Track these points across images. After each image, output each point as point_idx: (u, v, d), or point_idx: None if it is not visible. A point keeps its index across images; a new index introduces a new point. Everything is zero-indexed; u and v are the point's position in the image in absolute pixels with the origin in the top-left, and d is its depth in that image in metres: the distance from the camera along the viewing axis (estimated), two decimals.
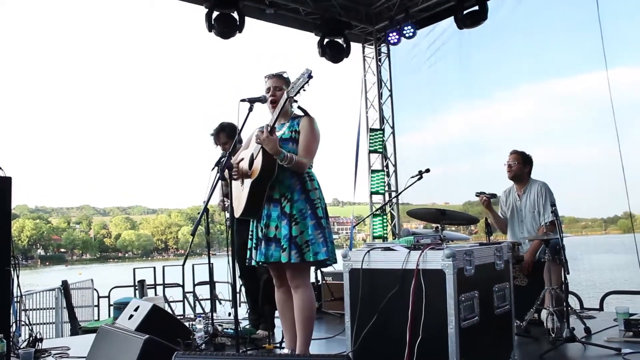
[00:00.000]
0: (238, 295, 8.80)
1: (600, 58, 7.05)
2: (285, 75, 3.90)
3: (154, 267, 10.66)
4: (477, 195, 5.65)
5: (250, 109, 3.65)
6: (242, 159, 3.88)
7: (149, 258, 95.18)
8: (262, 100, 3.76)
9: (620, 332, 4.60)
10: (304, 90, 3.39)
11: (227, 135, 5.23)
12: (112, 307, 8.91)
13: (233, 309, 3.75)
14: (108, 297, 10.06)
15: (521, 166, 5.56)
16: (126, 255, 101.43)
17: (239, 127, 3.71)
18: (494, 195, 5.62)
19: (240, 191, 3.81)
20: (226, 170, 3.71)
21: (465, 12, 8.02)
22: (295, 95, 3.43)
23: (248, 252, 3.90)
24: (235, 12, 7.72)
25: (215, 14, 7.67)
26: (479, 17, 7.91)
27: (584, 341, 4.34)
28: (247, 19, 7.87)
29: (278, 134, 3.70)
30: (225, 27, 7.68)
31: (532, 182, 5.54)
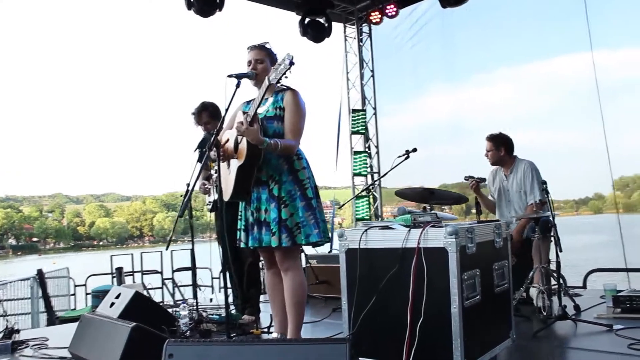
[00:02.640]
0: (219, 280, 8.72)
1: (585, 39, 7.04)
2: (267, 46, 3.77)
3: (132, 254, 10.49)
4: (465, 179, 5.60)
5: (238, 85, 3.51)
6: (228, 139, 3.73)
7: (124, 246, 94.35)
8: (249, 76, 3.62)
9: (608, 308, 4.62)
10: (286, 77, 3.27)
11: (209, 114, 5.10)
12: (89, 296, 8.75)
13: (224, 294, 3.66)
14: (85, 285, 9.86)
15: (496, 151, 5.52)
16: (100, 243, 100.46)
17: (227, 104, 3.56)
18: (482, 180, 5.58)
19: (228, 173, 3.68)
20: (213, 150, 3.57)
21: None
22: (276, 82, 3.32)
23: (238, 232, 3.79)
24: None
25: None
26: None
27: (575, 318, 4.33)
28: None
29: (261, 110, 3.58)
30: (204, 5, 7.50)
31: (519, 161, 5.50)
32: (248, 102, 3.81)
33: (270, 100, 3.64)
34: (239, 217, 3.78)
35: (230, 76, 3.53)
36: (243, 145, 3.47)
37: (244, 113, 3.46)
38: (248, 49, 3.77)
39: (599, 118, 7.10)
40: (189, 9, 7.51)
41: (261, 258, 4.52)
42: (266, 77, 3.38)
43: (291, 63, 3.19)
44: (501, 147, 5.51)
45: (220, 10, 7.68)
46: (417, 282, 2.93)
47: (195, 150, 5.24)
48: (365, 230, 3.22)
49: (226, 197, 3.70)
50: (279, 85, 3.58)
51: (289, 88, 3.62)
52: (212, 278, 9.78)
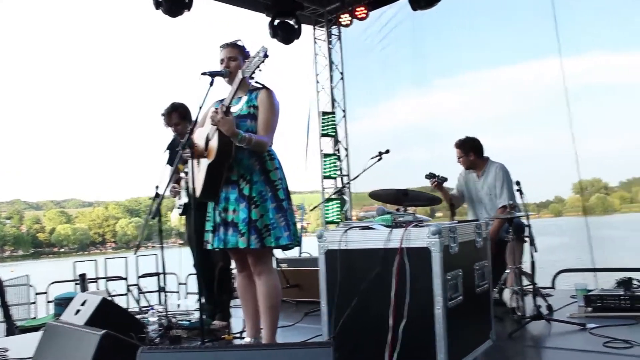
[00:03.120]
0: (185, 285, 8.56)
1: (554, 45, 7.15)
2: (240, 43, 3.68)
3: (95, 261, 10.23)
4: (426, 178, 5.59)
5: (211, 83, 3.43)
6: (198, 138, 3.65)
7: (86, 252, 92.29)
8: (223, 74, 3.54)
9: (579, 308, 4.66)
10: (260, 70, 3.21)
11: (179, 115, 4.98)
12: (51, 304, 8.48)
13: (198, 299, 3.55)
14: (46, 293, 9.55)
15: (466, 157, 5.52)
16: (62, 250, 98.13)
17: (200, 103, 3.48)
18: (444, 179, 5.56)
19: (197, 172, 3.59)
20: (187, 150, 3.47)
21: None
22: (250, 75, 3.25)
23: (205, 234, 3.68)
24: None
25: None
26: None
27: (549, 318, 4.35)
28: None
29: (235, 109, 3.50)
30: (172, 4, 7.36)
31: (490, 164, 5.50)
32: (221, 101, 3.72)
33: (245, 98, 3.57)
34: (207, 218, 3.68)
35: (203, 74, 3.46)
36: (214, 142, 3.39)
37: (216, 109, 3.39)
38: (220, 47, 3.69)
39: (564, 122, 7.21)
40: (157, 8, 7.37)
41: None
42: (239, 71, 3.32)
43: (265, 55, 3.14)
44: (470, 153, 5.51)
45: (188, 10, 7.56)
46: (400, 283, 2.88)
47: (165, 151, 5.11)
48: (345, 231, 3.15)
49: (197, 194, 3.60)
50: (253, 84, 3.53)
51: (263, 87, 3.55)
52: (179, 283, 9.61)
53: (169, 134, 5.12)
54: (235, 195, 3.45)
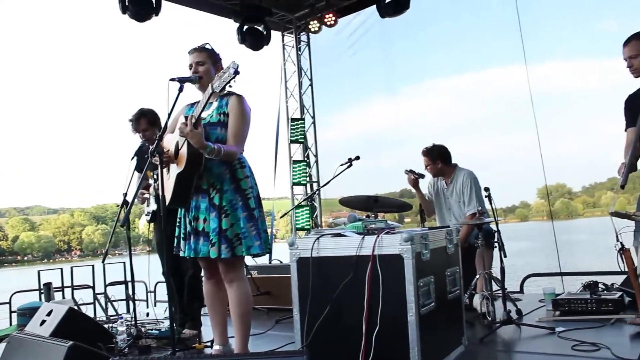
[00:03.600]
0: (154, 293, 8.43)
1: (520, 53, 7.26)
2: (208, 47, 3.66)
3: (61, 269, 9.98)
4: (405, 173, 5.61)
5: (180, 89, 3.38)
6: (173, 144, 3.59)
7: (51, 260, 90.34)
8: (192, 80, 3.51)
9: (548, 311, 4.73)
10: (230, 86, 3.16)
11: (147, 121, 4.91)
12: (15, 314, 8.23)
13: (168, 307, 3.50)
14: (9, 303, 9.27)
15: (433, 164, 5.55)
16: (25, 258, 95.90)
17: (169, 109, 3.42)
18: (422, 175, 5.58)
19: (167, 179, 3.54)
20: (156, 157, 3.41)
21: (387, 0, 7.96)
22: (220, 91, 3.19)
23: (175, 240, 3.66)
24: None
25: None
26: (402, 6, 7.87)
27: (519, 322, 4.39)
28: (164, 2, 7.47)
29: (204, 114, 3.46)
30: (140, 9, 7.26)
31: (459, 170, 5.54)
32: (191, 105, 3.70)
33: (215, 104, 3.54)
34: (177, 224, 3.65)
35: (172, 80, 3.40)
36: (183, 150, 3.35)
37: (187, 118, 3.32)
38: (189, 52, 3.66)
39: (529, 128, 7.32)
40: (124, 12, 7.25)
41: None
42: (210, 85, 3.24)
43: (236, 72, 3.08)
44: (437, 160, 5.54)
45: (156, 15, 7.45)
46: (372, 290, 2.88)
47: (132, 158, 5.02)
48: (317, 239, 3.14)
49: (167, 202, 3.53)
50: (229, 90, 3.47)
51: (234, 93, 3.51)
52: (147, 292, 9.44)
53: (136, 140, 5.04)
54: (206, 204, 3.42)
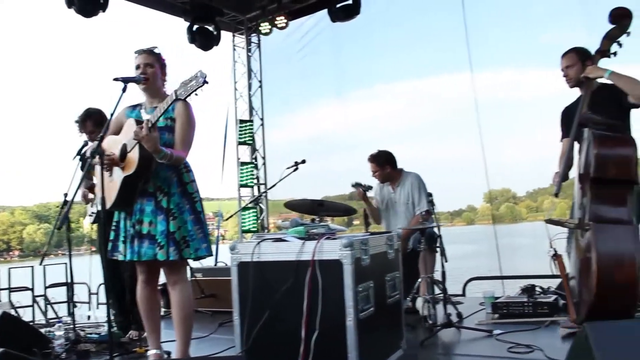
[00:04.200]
0: (97, 295, 8.22)
1: (466, 61, 7.42)
2: (156, 50, 3.63)
3: None
4: (353, 187, 5.67)
5: (124, 89, 3.36)
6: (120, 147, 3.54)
7: None
8: (137, 80, 3.49)
9: (487, 315, 4.84)
10: (196, 94, 3.14)
11: (94, 122, 4.78)
12: None
13: (106, 310, 3.42)
14: None
15: (382, 170, 5.63)
16: None
17: (112, 109, 3.40)
18: (369, 188, 5.66)
19: (109, 182, 3.48)
20: (97, 157, 3.34)
21: (338, 5, 8.01)
22: (185, 98, 3.18)
23: (110, 244, 3.61)
24: None
25: None
26: (352, 11, 7.93)
27: (459, 325, 4.48)
28: None
29: (149, 118, 3.41)
30: (86, 4, 7.06)
31: (405, 174, 5.65)
32: (133, 108, 3.67)
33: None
34: (113, 227, 3.60)
35: (116, 79, 3.39)
36: (134, 154, 3.33)
37: (137, 121, 3.33)
38: (136, 53, 3.61)
39: (475, 135, 7.48)
40: (69, 7, 7.04)
41: None
42: (174, 91, 3.21)
43: (205, 82, 3.08)
44: (386, 165, 5.63)
45: (104, 11, 7.27)
46: (312, 295, 2.90)
47: (74, 157, 4.90)
48: (258, 243, 3.13)
49: (107, 205, 3.49)
50: (168, 92, 3.50)
51: (180, 99, 3.43)
52: (90, 294, 9.19)
53: (80, 138, 4.92)
54: (152, 207, 3.41)
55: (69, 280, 4.82)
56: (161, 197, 3.41)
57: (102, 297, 8.48)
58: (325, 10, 8.22)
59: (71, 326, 4.52)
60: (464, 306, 5.41)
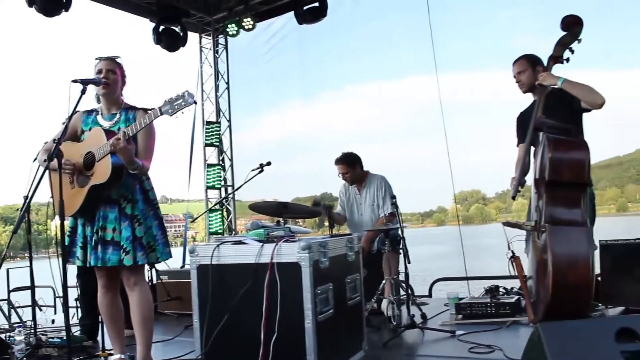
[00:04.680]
0: (62, 299, 8.07)
1: (431, 63, 7.48)
2: (119, 60, 3.65)
3: None
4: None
5: (83, 92, 3.35)
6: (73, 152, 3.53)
7: None
8: (96, 82, 3.47)
9: (451, 315, 4.89)
10: (182, 113, 3.18)
11: None
12: None
13: (64, 314, 3.38)
14: None
15: (353, 170, 5.66)
16: None
17: (70, 111, 3.37)
18: (330, 206, 5.67)
19: (71, 188, 3.48)
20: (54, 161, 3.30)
21: (305, 7, 8.01)
22: (171, 115, 3.20)
23: (77, 251, 3.55)
24: None
25: None
26: (319, 14, 7.93)
27: (422, 326, 4.52)
28: None
29: (106, 124, 3.54)
30: (48, 3, 6.91)
31: (371, 176, 5.69)
32: (88, 113, 3.67)
33: (119, 117, 3.57)
34: (68, 233, 3.57)
35: (74, 81, 3.37)
36: (105, 164, 3.34)
37: (107, 131, 3.38)
38: (97, 59, 3.61)
39: (442, 136, 7.55)
40: (30, 5, 6.88)
41: None
42: (157, 108, 3.24)
43: (194, 102, 3.16)
44: (356, 165, 5.66)
45: (66, 10, 7.11)
46: (271, 297, 2.90)
47: (34, 159, 4.81)
48: (217, 246, 3.13)
49: (69, 212, 3.48)
50: (126, 102, 3.61)
51: (141, 108, 3.58)
52: (55, 297, 9.01)
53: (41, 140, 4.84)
54: (115, 214, 3.44)
55: (32, 284, 4.76)
56: (125, 204, 3.45)
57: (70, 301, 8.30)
58: (292, 13, 8.21)
59: (32, 331, 4.44)
60: (429, 307, 5.46)
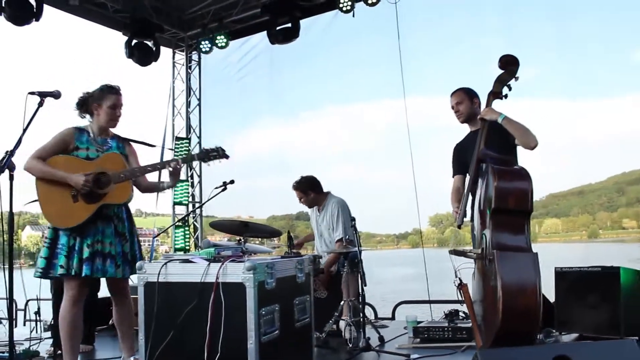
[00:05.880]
0: (25, 312, 7.89)
1: (400, 87, 7.58)
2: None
3: None
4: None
5: (41, 104, 3.40)
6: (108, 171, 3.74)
7: None
8: (55, 95, 3.47)
9: (409, 339, 4.90)
10: (217, 162, 3.91)
11: None
12: None
13: (8, 326, 3.35)
14: None
15: (306, 197, 5.73)
16: None
17: (25, 123, 3.36)
18: (299, 246, 5.87)
19: (72, 203, 3.63)
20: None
21: (278, 27, 8.06)
22: (204, 162, 3.91)
23: (43, 261, 3.66)
24: None
25: None
26: (291, 34, 7.96)
27: (377, 349, 4.54)
28: (47, 7, 7.08)
29: (99, 148, 3.81)
30: (17, 11, 6.83)
31: (330, 198, 5.71)
32: (80, 131, 3.82)
33: (112, 145, 3.88)
34: (46, 244, 3.66)
35: (32, 93, 3.40)
36: (127, 187, 3.74)
37: (168, 161, 3.85)
38: (116, 91, 3.86)
39: (414, 159, 7.60)
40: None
41: None
42: (195, 154, 4.02)
43: (226, 157, 3.93)
44: (309, 191, 5.71)
45: (37, 20, 7.04)
46: (215, 317, 2.90)
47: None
48: (165, 264, 3.12)
49: (67, 224, 3.63)
50: (113, 131, 3.93)
51: (125, 139, 3.99)
52: (17, 310, 8.80)
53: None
54: (111, 230, 3.72)
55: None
56: (117, 222, 3.78)
57: (30, 314, 8.13)
58: (265, 32, 8.25)
59: None
60: (390, 329, 5.47)
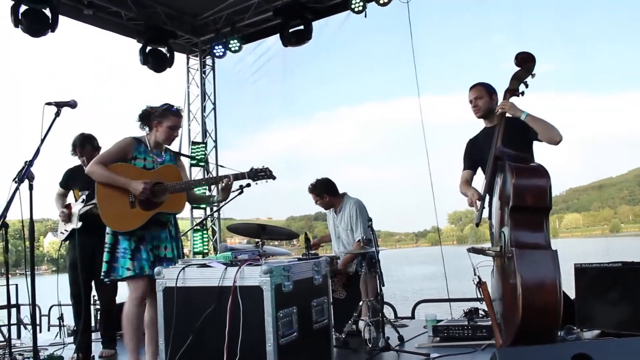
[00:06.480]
0: (48, 317, 7.98)
1: (413, 86, 7.55)
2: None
3: None
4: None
5: (57, 114, 3.51)
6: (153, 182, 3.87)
7: None
8: (71, 104, 3.59)
9: (429, 338, 4.88)
10: (256, 184, 4.05)
11: (92, 147, 4.97)
12: None
13: (7, 331, 3.44)
14: None
15: (321, 199, 5.75)
16: None
17: (43, 134, 3.46)
18: (315, 247, 5.83)
19: (130, 208, 3.79)
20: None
21: (290, 30, 8.09)
22: (252, 181, 4.04)
23: (105, 265, 3.80)
24: (48, 9, 7.02)
25: (23, 8, 6.89)
26: (304, 36, 7.99)
27: (397, 349, 4.53)
28: (62, 17, 7.17)
29: (159, 159, 4.00)
30: (34, 24, 6.92)
31: (346, 200, 5.72)
32: (138, 142, 3.95)
33: (166, 158, 4.06)
34: (108, 249, 3.80)
35: (49, 104, 3.49)
36: (182, 198, 3.98)
37: (221, 177, 4.07)
38: (175, 110, 4.06)
39: (430, 157, 7.57)
40: (16, 26, 6.90)
41: None
42: (245, 172, 3.99)
43: (273, 177, 4.05)
44: (323, 194, 5.73)
45: (52, 31, 7.12)
46: (233, 320, 2.92)
47: (14, 179, 4.84)
48: (183, 268, 3.15)
49: (125, 228, 3.78)
50: (167, 146, 4.10)
51: (175, 152, 4.23)
52: (41, 315, 8.92)
53: (13, 159, 4.89)
54: (166, 234, 3.94)
55: (21, 301, 4.87)
56: (171, 227, 4.00)
57: (53, 319, 8.23)
58: (277, 35, 8.28)
59: (6, 350, 4.44)
60: (410, 329, 5.46)
